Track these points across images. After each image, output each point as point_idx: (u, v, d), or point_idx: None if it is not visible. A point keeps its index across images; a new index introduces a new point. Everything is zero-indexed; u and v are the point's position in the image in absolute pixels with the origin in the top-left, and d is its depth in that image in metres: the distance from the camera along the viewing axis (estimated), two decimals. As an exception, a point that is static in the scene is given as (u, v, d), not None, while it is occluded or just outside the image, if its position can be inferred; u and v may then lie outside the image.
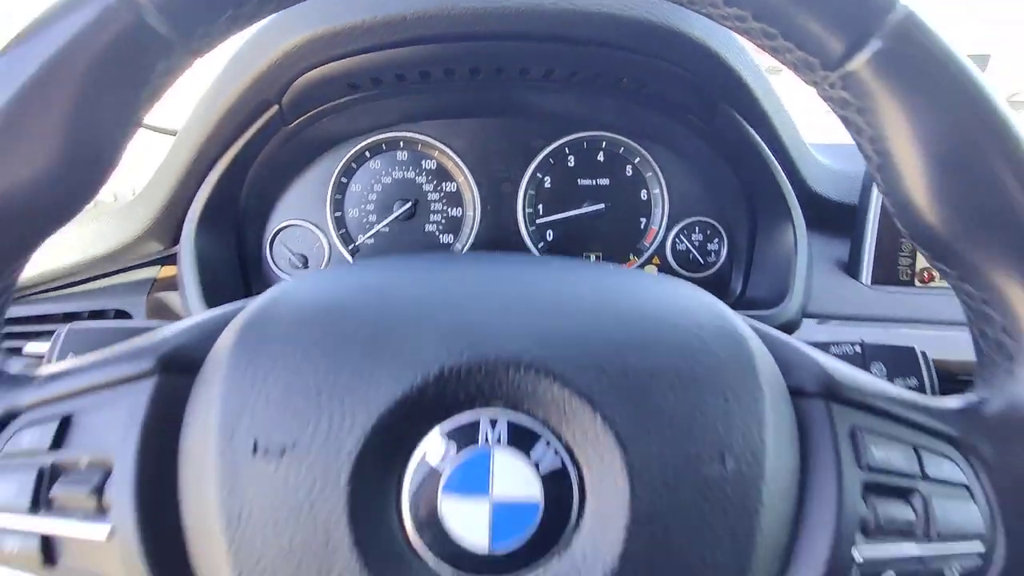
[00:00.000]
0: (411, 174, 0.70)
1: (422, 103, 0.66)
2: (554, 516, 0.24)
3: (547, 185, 0.71)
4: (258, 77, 0.51)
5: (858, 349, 0.45)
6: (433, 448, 0.25)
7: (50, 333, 0.44)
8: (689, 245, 0.71)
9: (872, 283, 0.65)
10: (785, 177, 0.60)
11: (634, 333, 0.26)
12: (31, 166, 0.27)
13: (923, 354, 0.45)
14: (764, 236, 0.65)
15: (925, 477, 0.28)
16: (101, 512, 0.26)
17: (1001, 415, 0.29)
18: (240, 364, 0.26)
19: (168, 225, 0.63)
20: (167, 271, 0.66)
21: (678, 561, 0.24)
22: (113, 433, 0.26)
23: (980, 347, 0.30)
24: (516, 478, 0.24)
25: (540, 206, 0.71)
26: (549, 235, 0.71)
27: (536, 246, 0.71)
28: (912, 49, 0.26)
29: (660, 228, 0.71)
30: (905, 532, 0.27)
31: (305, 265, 0.69)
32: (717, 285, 0.70)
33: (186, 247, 0.59)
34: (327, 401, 0.24)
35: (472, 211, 0.70)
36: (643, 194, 0.71)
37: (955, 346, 0.55)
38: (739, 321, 0.29)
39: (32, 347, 0.60)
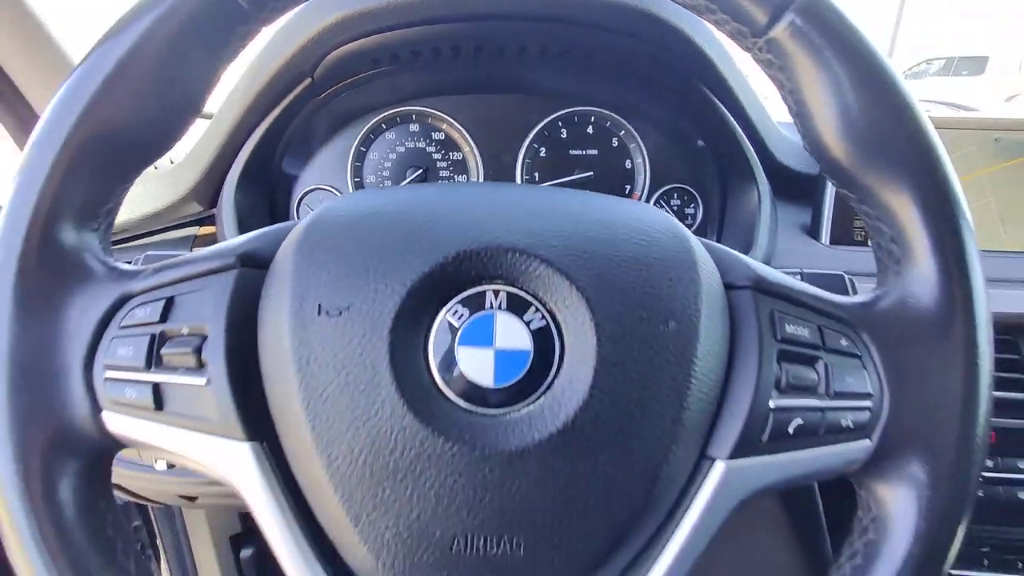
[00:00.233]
0: (422, 144, 0.77)
1: (432, 80, 0.73)
2: (541, 361, 0.32)
3: (542, 155, 0.77)
4: (297, 52, 0.59)
5: (798, 276, 0.53)
6: (451, 312, 0.33)
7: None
8: (668, 209, 0.77)
9: (831, 243, 0.72)
10: (750, 146, 0.67)
11: (603, 230, 0.34)
12: (135, 105, 0.34)
13: (850, 280, 0.53)
14: (733, 199, 0.72)
15: (827, 349, 0.35)
16: (199, 367, 0.33)
17: (890, 306, 0.36)
18: (306, 251, 0.34)
19: (208, 188, 0.70)
20: (206, 230, 0.74)
21: (633, 395, 0.32)
22: (207, 309, 0.34)
23: (877, 255, 0.38)
24: (513, 334, 0.32)
25: (536, 174, 0.77)
26: None
27: None
28: (818, 20, 0.34)
29: (642, 194, 0.77)
30: (810, 390, 0.35)
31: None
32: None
33: (226, 207, 0.66)
34: (373, 276, 0.32)
35: (476, 178, 0.76)
36: (627, 163, 0.77)
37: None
38: (685, 229, 0.37)
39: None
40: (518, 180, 0.77)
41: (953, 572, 0.70)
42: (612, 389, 0.31)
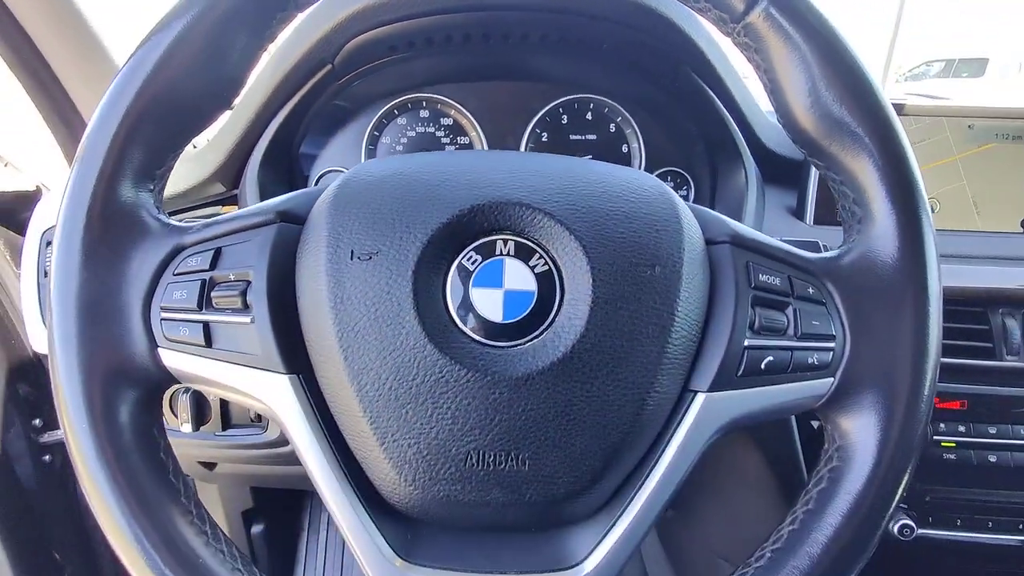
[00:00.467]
0: (431, 129, 0.81)
1: (442, 68, 0.77)
2: (544, 301, 0.37)
3: (544, 139, 0.81)
4: (320, 39, 0.64)
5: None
6: (466, 257, 0.37)
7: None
8: (662, 191, 0.82)
9: (814, 223, 0.76)
10: (739, 131, 0.72)
11: (599, 189, 0.39)
12: (187, 78, 0.38)
13: (825, 247, 0.57)
14: (723, 182, 0.76)
15: (795, 296, 0.40)
16: (244, 308, 0.38)
17: (853, 260, 0.40)
18: (339, 205, 0.38)
19: (231, 169, 0.74)
20: (228, 209, 0.78)
21: (623, 330, 0.36)
22: (251, 258, 0.38)
23: (842, 216, 0.42)
24: (520, 277, 0.37)
25: (538, 158, 0.82)
26: None
27: None
28: (788, 7, 0.38)
29: None
30: (780, 331, 0.39)
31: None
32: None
33: (250, 185, 0.70)
34: (398, 226, 0.37)
35: (482, 161, 0.81)
36: (624, 148, 0.81)
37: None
38: (671, 191, 0.41)
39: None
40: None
41: (928, 532, 0.75)
42: (605, 324, 0.36)
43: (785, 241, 0.42)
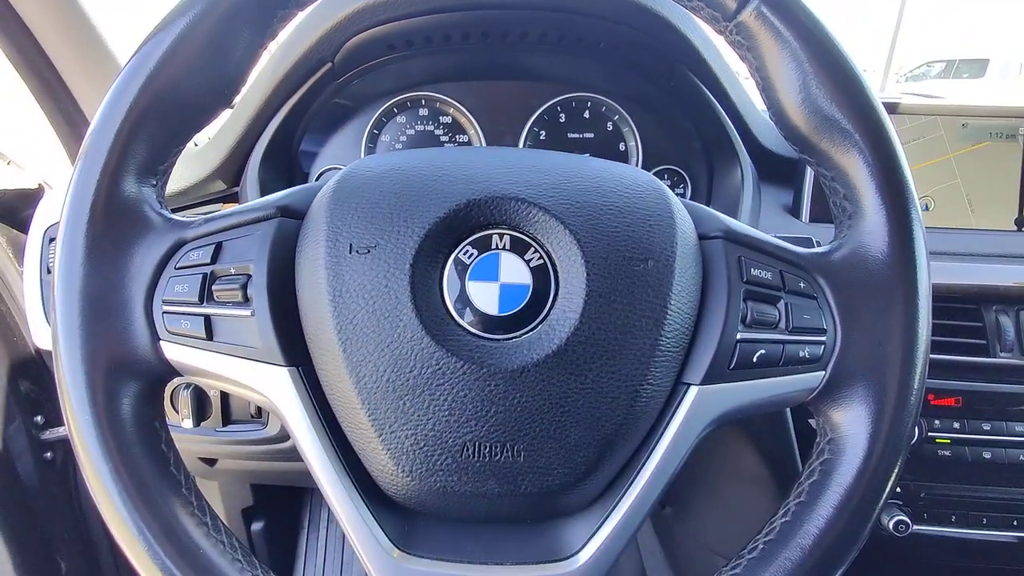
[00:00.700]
0: (430, 127, 0.81)
1: (441, 67, 0.78)
2: (539, 294, 0.37)
3: (542, 137, 0.82)
4: (320, 38, 0.65)
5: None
6: (463, 251, 0.38)
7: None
8: (659, 189, 0.83)
9: (810, 221, 0.76)
10: (734, 127, 0.72)
11: (593, 184, 0.39)
12: (190, 75, 0.39)
13: (819, 243, 0.58)
14: (719, 179, 0.76)
15: (787, 290, 0.40)
16: (245, 302, 0.38)
17: (844, 255, 0.41)
18: (338, 200, 0.39)
19: (232, 167, 0.75)
20: (229, 206, 0.79)
21: (617, 322, 0.37)
22: (251, 252, 0.39)
23: (833, 212, 0.43)
24: (515, 270, 0.38)
25: (536, 156, 0.83)
26: None
27: None
28: (779, 6, 0.39)
29: None
30: (771, 325, 0.40)
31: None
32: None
33: (251, 183, 0.71)
34: (396, 220, 0.38)
35: (480, 160, 0.82)
36: (621, 146, 0.82)
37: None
38: (664, 186, 0.42)
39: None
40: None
41: (923, 528, 0.76)
42: (599, 317, 0.37)
43: (779, 237, 0.43)
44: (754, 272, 0.40)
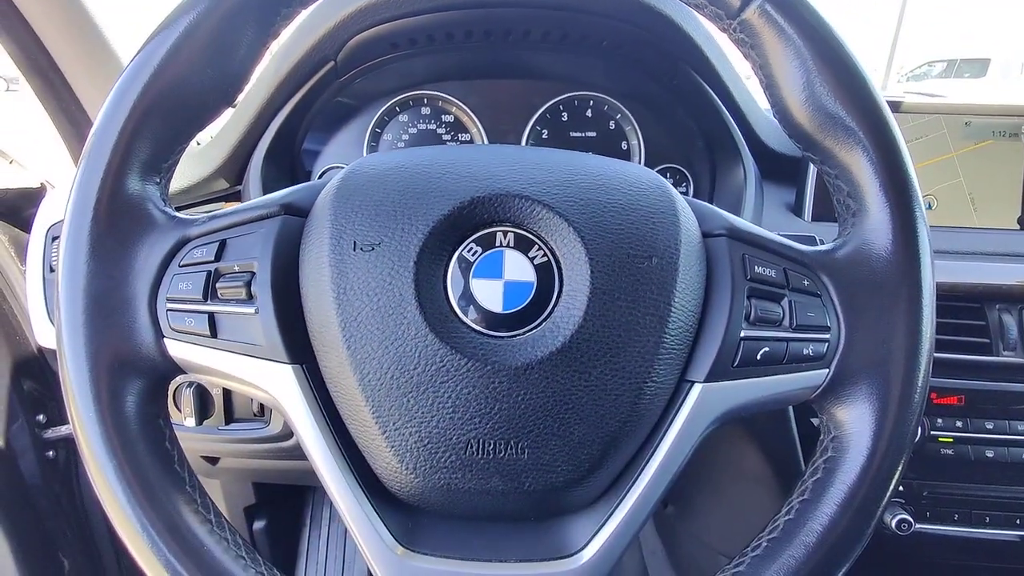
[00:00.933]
0: (433, 126, 0.81)
1: (443, 66, 0.78)
2: (543, 291, 0.37)
3: (544, 136, 0.82)
4: (323, 36, 0.65)
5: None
6: (467, 249, 0.38)
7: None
8: (662, 188, 0.83)
9: (812, 220, 0.76)
10: (736, 126, 0.72)
11: (597, 181, 0.39)
12: (194, 72, 0.38)
13: (821, 241, 0.58)
14: (722, 178, 0.76)
15: (791, 288, 0.40)
16: (249, 299, 0.38)
17: (847, 253, 0.40)
18: (342, 198, 0.39)
19: (235, 165, 0.75)
20: (232, 205, 0.79)
21: (621, 320, 0.37)
22: (255, 249, 0.39)
23: (837, 210, 0.43)
24: (519, 268, 0.38)
25: (539, 155, 0.83)
26: None
27: None
28: (783, 3, 0.39)
29: None
30: (775, 322, 0.40)
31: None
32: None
33: (253, 182, 0.71)
34: (400, 218, 0.38)
35: (483, 159, 0.82)
36: (623, 144, 0.82)
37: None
38: (668, 184, 0.42)
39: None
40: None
41: (926, 527, 0.76)
42: (603, 315, 0.37)
43: (783, 235, 0.43)
44: (758, 270, 0.40)
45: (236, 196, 0.78)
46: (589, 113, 0.82)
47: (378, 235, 0.37)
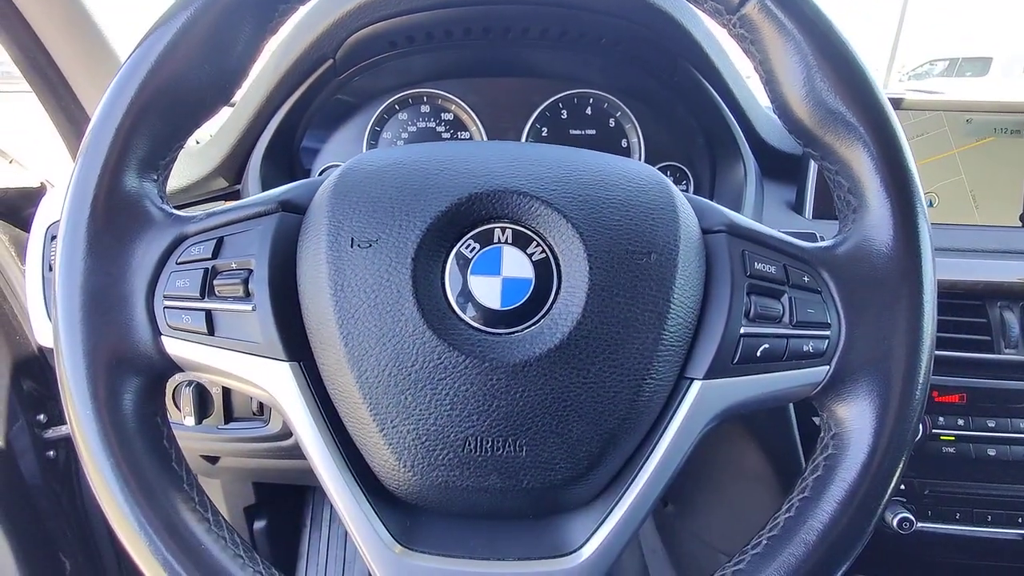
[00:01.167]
0: (432, 124, 0.81)
1: (442, 64, 0.77)
2: (541, 288, 0.37)
3: (544, 134, 0.82)
4: (321, 34, 0.65)
5: None
6: (465, 245, 0.38)
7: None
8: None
9: (813, 217, 0.76)
10: (736, 124, 0.72)
11: (596, 177, 0.39)
12: (192, 69, 0.38)
13: (822, 238, 0.57)
14: (722, 175, 0.76)
15: (791, 284, 0.40)
16: (246, 296, 0.38)
17: (848, 249, 0.40)
18: (340, 194, 0.39)
19: (234, 164, 0.75)
20: (230, 203, 0.79)
21: (620, 316, 0.37)
22: (253, 246, 0.39)
23: (838, 206, 0.42)
24: (517, 264, 0.37)
25: (538, 152, 0.83)
26: None
27: None
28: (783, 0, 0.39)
29: None
30: (775, 319, 0.39)
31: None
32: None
33: (252, 180, 0.71)
34: (398, 214, 0.37)
35: (482, 157, 0.82)
36: (623, 142, 0.82)
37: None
38: (667, 180, 0.42)
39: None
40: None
41: (927, 526, 0.75)
42: (602, 311, 0.37)
43: (783, 232, 0.43)
44: (758, 266, 0.40)
45: (235, 195, 0.78)
46: (589, 111, 0.82)
47: (375, 232, 0.37)
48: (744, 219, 0.42)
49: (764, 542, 0.39)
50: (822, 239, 0.58)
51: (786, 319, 0.40)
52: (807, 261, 0.41)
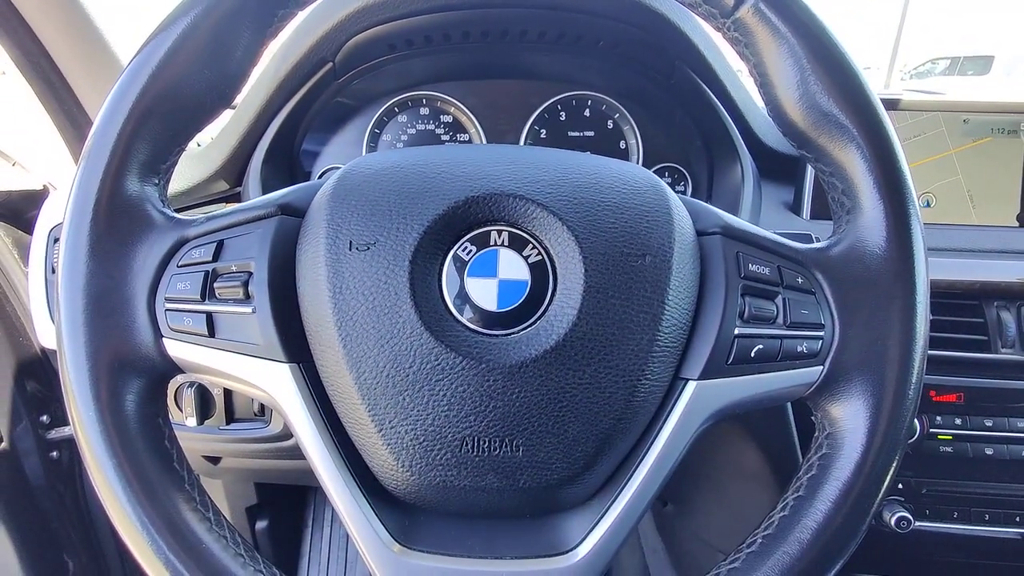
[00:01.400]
0: (431, 126, 0.82)
1: (441, 66, 0.78)
2: (537, 290, 0.38)
3: (543, 136, 0.82)
4: (321, 38, 0.65)
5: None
6: (461, 248, 0.38)
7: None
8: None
9: (810, 218, 0.76)
10: (734, 125, 0.72)
11: (591, 180, 0.40)
12: (193, 74, 0.39)
13: (818, 239, 0.58)
14: (720, 176, 0.76)
15: (785, 286, 0.40)
16: (246, 299, 0.39)
17: (842, 250, 0.41)
18: (338, 198, 0.39)
19: (234, 167, 0.75)
20: (230, 206, 0.79)
21: (615, 317, 0.37)
22: (252, 249, 0.39)
23: (832, 208, 0.43)
24: (514, 266, 0.38)
25: (537, 154, 0.83)
26: None
27: None
28: (777, 3, 0.39)
29: None
30: (769, 320, 0.40)
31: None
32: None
33: (252, 183, 0.71)
34: (395, 217, 0.38)
35: (481, 159, 0.82)
36: (621, 144, 0.82)
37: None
38: (662, 183, 0.42)
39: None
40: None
41: (925, 525, 0.76)
42: (597, 313, 0.37)
43: (778, 234, 0.43)
44: (752, 268, 0.40)
45: (236, 197, 0.78)
46: (587, 113, 0.82)
47: (373, 234, 0.38)
48: (738, 221, 0.42)
49: (759, 541, 0.39)
50: (818, 240, 0.59)
51: (780, 320, 0.40)
52: (801, 262, 0.41)
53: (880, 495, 0.39)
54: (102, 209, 0.38)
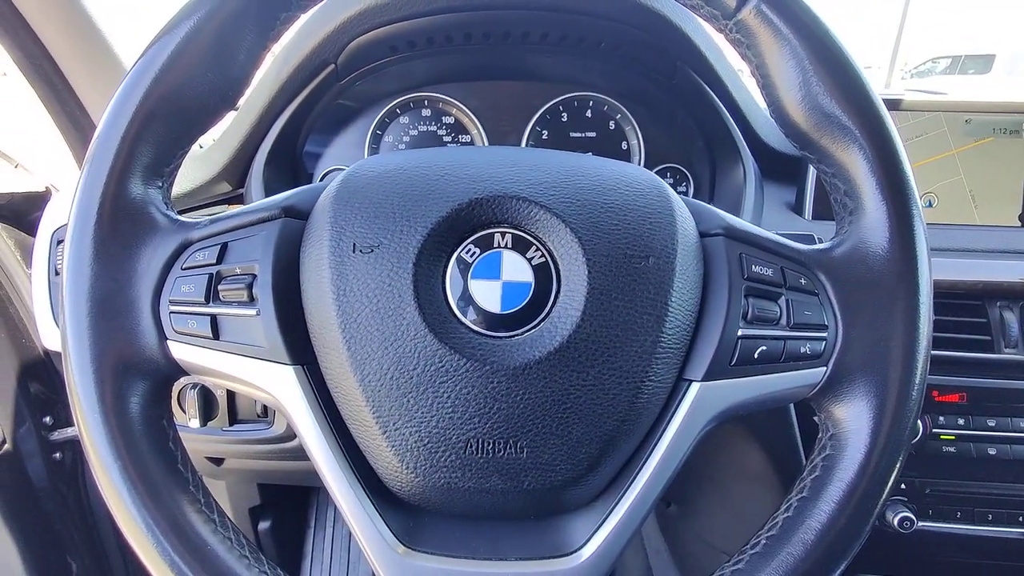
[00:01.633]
0: (433, 128, 0.82)
1: (443, 68, 0.78)
2: (541, 292, 0.38)
3: (544, 137, 0.82)
4: (323, 40, 0.65)
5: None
6: (465, 250, 0.38)
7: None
8: (662, 188, 0.83)
9: (813, 218, 0.76)
10: (736, 126, 0.72)
11: (594, 182, 0.40)
12: (196, 77, 0.39)
13: (820, 240, 0.58)
14: (722, 177, 0.76)
15: (788, 287, 0.40)
16: (251, 301, 0.39)
17: (845, 251, 0.41)
18: (342, 200, 0.39)
19: (237, 169, 0.75)
20: (234, 207, 0.79)
21: (618, 319, 0.37)
22: (256, 252, 0.39)
23: (834, 209, 0.43)
24: (517, 268, 0.38)
25: (539, 155, 0.83)
26: None
27: None
28: (779, 3, 0.39)
29: None
30: (773, 321, 0.40)
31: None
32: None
33: (255, 185, 0.71)
34: (399, 220, 0.38)
35: (483, 160, 0.82)
36: (623, 144, 0.82)
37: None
38: (665, 184, 0.42)
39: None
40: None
41: (928, 525, 0.76)
42: (601, 314, 0.37)
43: (780, 234, 0.43)
44: (755, 269, 0.40)
45: (239, 199, 0.78)
46: (589, 114, 0.82)
47: (377, 237, 0.38)
48: (741, 222, 0.42)
49: (763, 542, 0.39)
50: (820, 241, 0.59)
51: (783, 321, 0.40)
52: (804, 263, 0.41)
53: (884, 496, 0.39)
54: (106, 212, 0.38)
